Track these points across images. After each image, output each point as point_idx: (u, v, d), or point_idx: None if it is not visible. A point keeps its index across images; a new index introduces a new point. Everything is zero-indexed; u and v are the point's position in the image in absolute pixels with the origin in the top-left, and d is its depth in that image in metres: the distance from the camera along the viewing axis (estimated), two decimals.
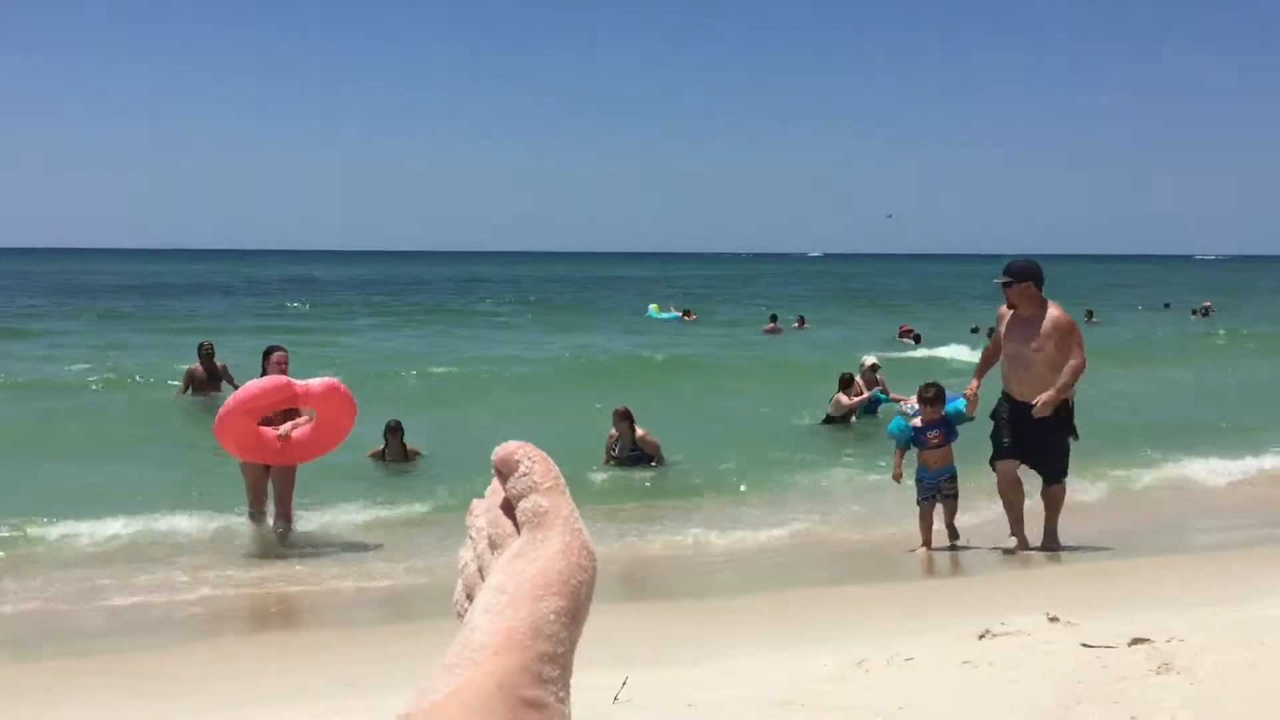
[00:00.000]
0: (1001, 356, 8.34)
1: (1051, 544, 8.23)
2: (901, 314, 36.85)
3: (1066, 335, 8.05)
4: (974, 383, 8.60)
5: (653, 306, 39.05)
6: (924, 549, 8.45)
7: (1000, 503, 8.41)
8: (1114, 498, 10.29)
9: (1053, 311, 8.13)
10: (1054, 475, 8.21)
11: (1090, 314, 34.74)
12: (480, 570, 0.87)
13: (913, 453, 8.77)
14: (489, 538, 0.88)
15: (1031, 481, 8.28)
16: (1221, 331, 30.34)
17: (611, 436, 11.61)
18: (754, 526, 9.34)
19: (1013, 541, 8.20)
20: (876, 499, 9.87)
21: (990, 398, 8.38)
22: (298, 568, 8.09)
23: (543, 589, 0.81)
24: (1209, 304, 39.16)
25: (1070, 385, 7.96)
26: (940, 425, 8.66)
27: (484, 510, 0.89)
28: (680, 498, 10.35)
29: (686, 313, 36.84)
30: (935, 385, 8.89)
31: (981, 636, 4.48)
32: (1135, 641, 4.01)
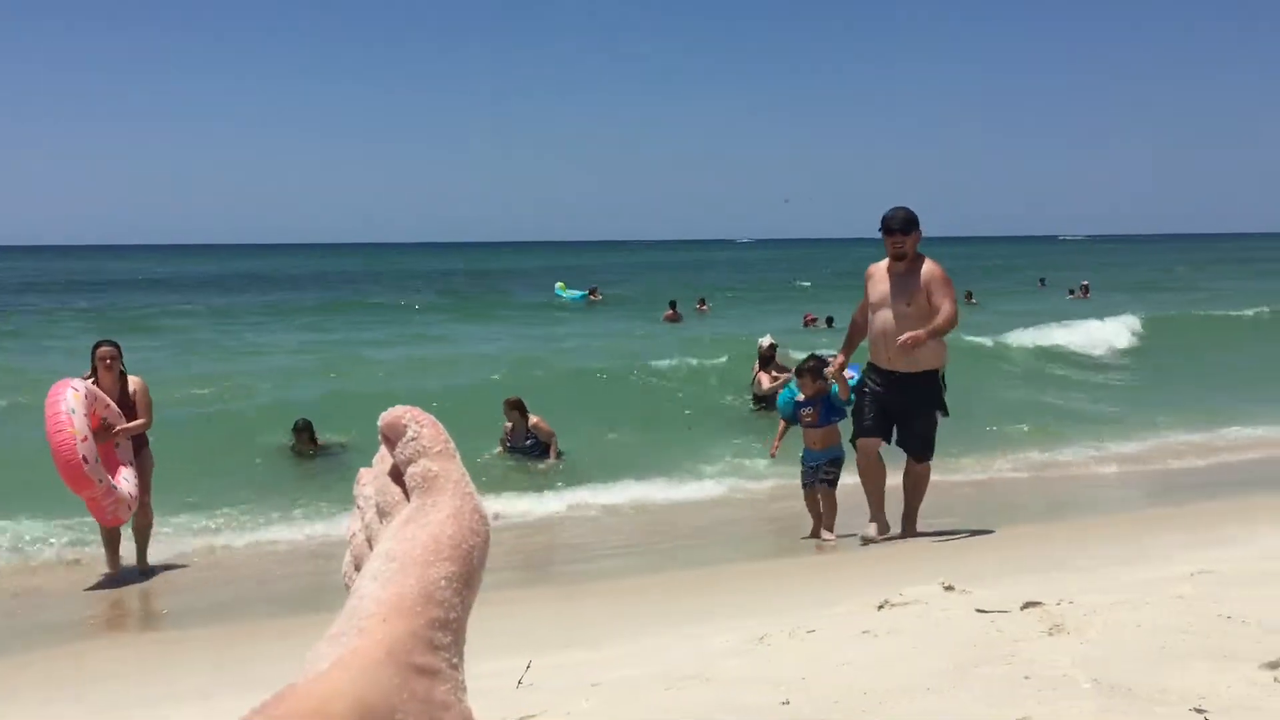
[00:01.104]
0: (869, 321, 7.66)
1: (910, 529, 7.69)
2: (812, 299, 36.90)
3: (941, 285, 7.43)
4: (839, 357, 7.82)
5: (559, 285, 39.13)
6: (813, 528, 8.05)
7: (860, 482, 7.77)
8: (1003, 476, 10.55)
9: (927, 264, 7.53)
10: (920, 452, 7.64)
11: (969, 295, 34.89)
12: (369, 540, 0.84)
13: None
14: (377, 506, 0.85)
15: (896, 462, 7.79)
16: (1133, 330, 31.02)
17: (506, 429, 11.50)
18: (658, 507, 9.38)
19: (872, 528, 7.60)
20: (783, 476, 9.75)
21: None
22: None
23: (433, 554, 0.79)
24: (1087, 283, 39.79)
25: (943, 330, 7.35)
26: (817, 403, 8.03)
27: (372, 478, 0.86)
28: (581, 482, 10.34)
29: (593, 291, 36.89)
30: (814, 357, 8.31)
31: (880, 607, 4.56)
32: (1027, 605, 4.12)
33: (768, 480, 10.07)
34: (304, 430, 11.38)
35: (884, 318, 7.48)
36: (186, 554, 8.31)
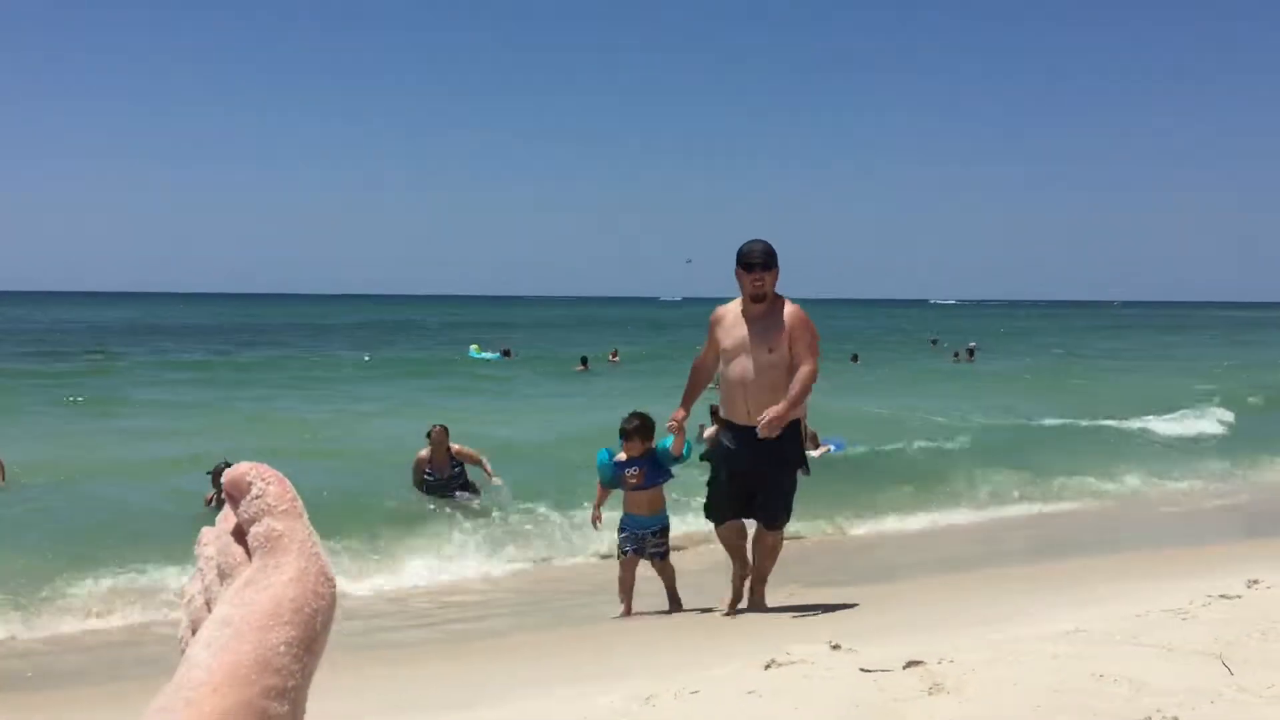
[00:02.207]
0: (720, 371, 6.88)
1: (759, 599, 7.01)
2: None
3: (805, 334, 6.68)
4: (679, 412, 6.98)
5: (474, 347, 38.81)
6: (623, 610, 7.22)
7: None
8: (888, 533, 10.70)
9: (790, 307, 6.76)
10: (776, 520, 6.87)
11: (855, 357, 35.18)
12: (208, 603, 0.80)
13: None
14: (218, 567, 0.81)
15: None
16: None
17: (422, 459, 10.97)
18: (544, 560, 9.28)
19: (731, 603, 7.05)
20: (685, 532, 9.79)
21: None
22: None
23: (272, 618, 0.75)
24: (974, 345, 40.62)
25: (801, 398, 6.58)
26: (644, 462, 7.19)
27: (214, 538, 0.83)
28: (478, 530, 10.16)
29: (506, 352, 36.78)
30: (639, 415, 7.34)
31: (767, 667, 4.57)
32: (910, 664, 4.16)
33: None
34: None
35: (742, 367, 6.69)
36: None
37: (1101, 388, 26.35)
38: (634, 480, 7.22)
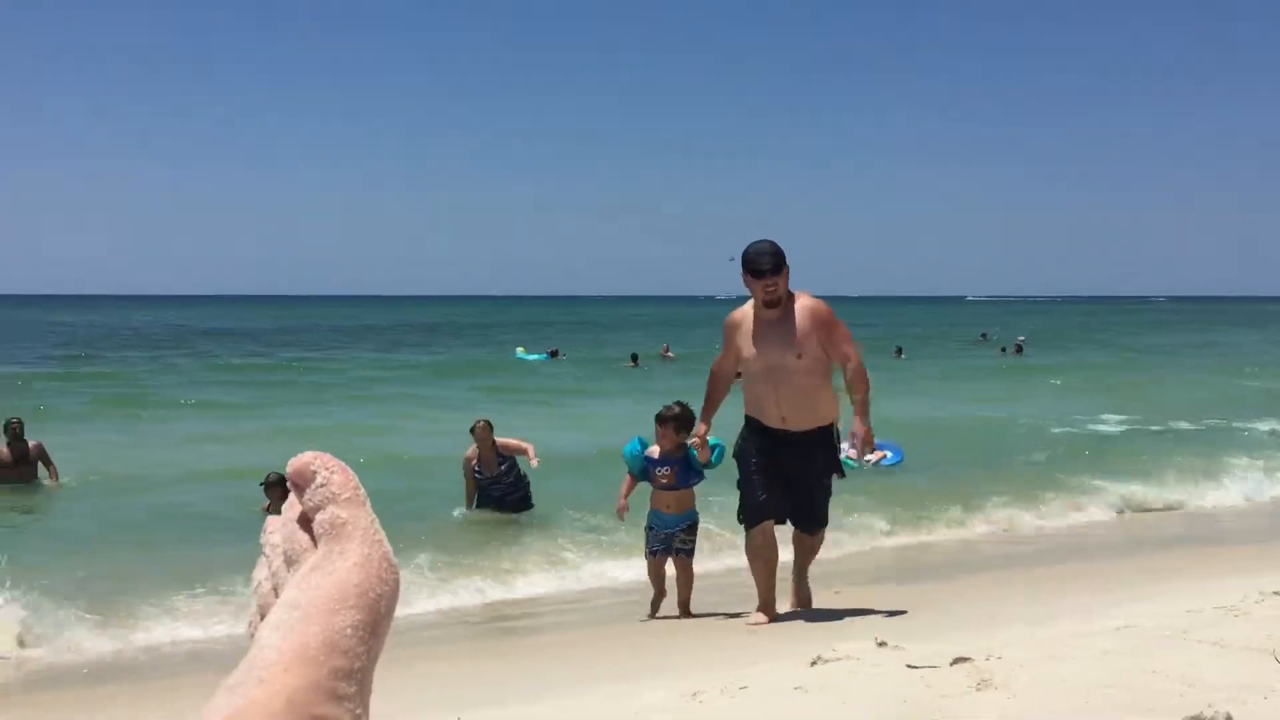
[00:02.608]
0: (743, 375, 6.65)
1: (803, 592, 6.84)
2: None
3: (831, 328, 6.40)
4: (700, 427, 6.75)
5: (520, 349, 38.68)
6: (651, 615, 7.11)
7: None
8: (941, 535, 10.60)
9: (805, 302, 6.45)
10: (814, 524, 6.69)
11: (899, 350, 34.91)
12: (275, 588, 0.83)
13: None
14: (284, 554, 0.84)
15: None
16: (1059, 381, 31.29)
17: (470, 457, 10.75)
18: (600, 563, 9.27)
19: (759, 615, 6.60)
20: (728, 531, 9.68)
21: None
22: None
23: (339, 602, 0.78)
24: (1023, 340, 40.26)
25: (867, 397, 6.41)
26: (677, 461, 6.95)
27: (279, 525, 0.85)
28: (526, 542, 10.16)
29: (554, 353, 36.80)
30: (681, 404, 7.10)
31: (813, 663, 4.57)
32: (957, 661, 4.14)
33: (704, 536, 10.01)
34: (277, 485, 10.15)
35: (770, 373, 6.42)
36: None
37: (1165, 386, 25.77)
38: (664, 480, 6.98)
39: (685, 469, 6.95)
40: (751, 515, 6.59)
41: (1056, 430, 17.66)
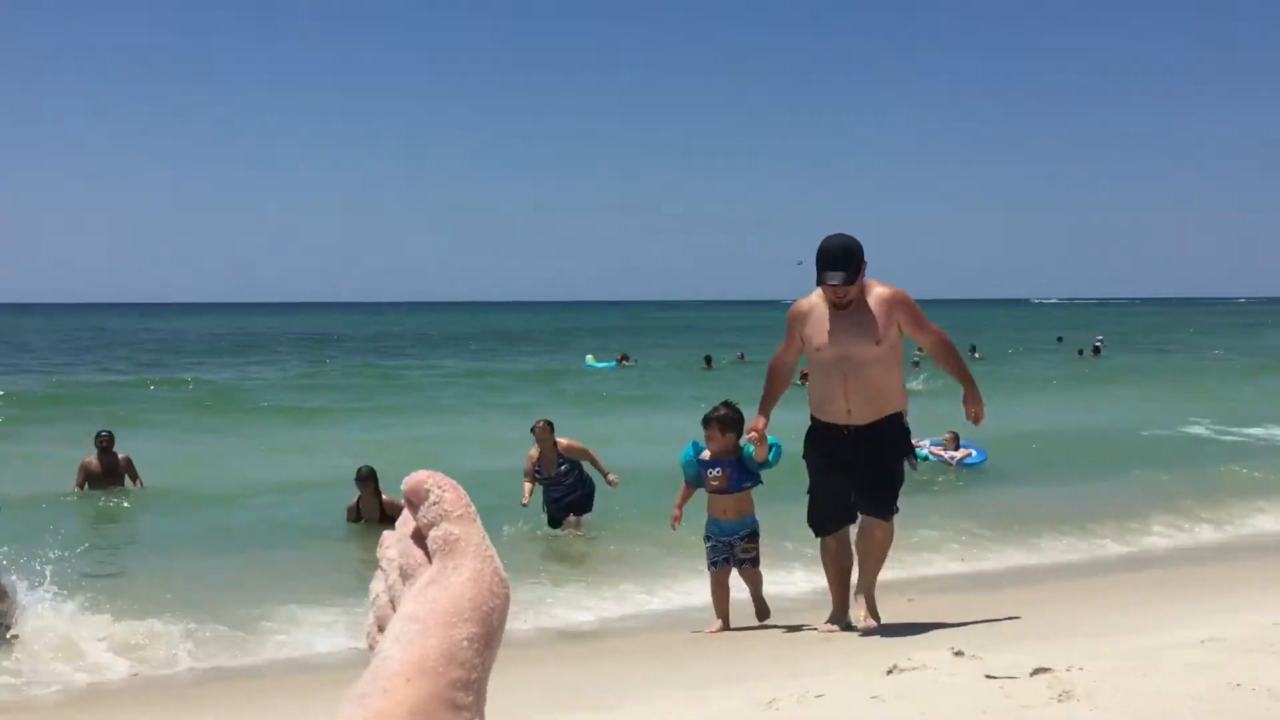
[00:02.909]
0: (811, 370, 6.43)
1: (870, 606, 6.44)
2: None
3: (909, 308, 6.23)
4: (759, 420, 6.44)
5: (590, 357, 38.55)
6: (719, 626, 6.80)
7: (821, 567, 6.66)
8: (1009, 533, 10.46)
9: (878, 289, 6.26)
10: (878, 507, 6.27)
11: (974, 349, 34.46)
12: (392, 601, 0.87)
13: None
14: (400, 568, 0.88)
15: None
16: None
17: (531, 459, 10.54)
18: (672, 573, 9.23)
19: (833, 621, 6.49)
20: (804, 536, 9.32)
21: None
22: None
23: (455, 616, 0.81)
24: (1100, 340, 39.58)
25: (968, 372, 6.34)
26: (729, 463, 6.66)
27: (395, 541, 0.89)
28: (598, 545, 10.17)
29: (623, 358, 36.79)
30: (728, 405, 6.85)
31: (889, 672, 4.55)
32: (1037, 671, 4.10)
33: (784, 541, 9.94)
34: (369, 480, 10.11)
35: (841, 364, 6.15)
36: None
37: (1261, 389, 25.02)
38: (716, 483, 6.66)
39: (739, 471, 6.66)
40: (820, 525, 6.47)
41: (1144, 434, 17.25)
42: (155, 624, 7.26)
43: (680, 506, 6.96)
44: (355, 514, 10.25)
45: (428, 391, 28.03)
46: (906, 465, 6.44)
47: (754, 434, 6.44)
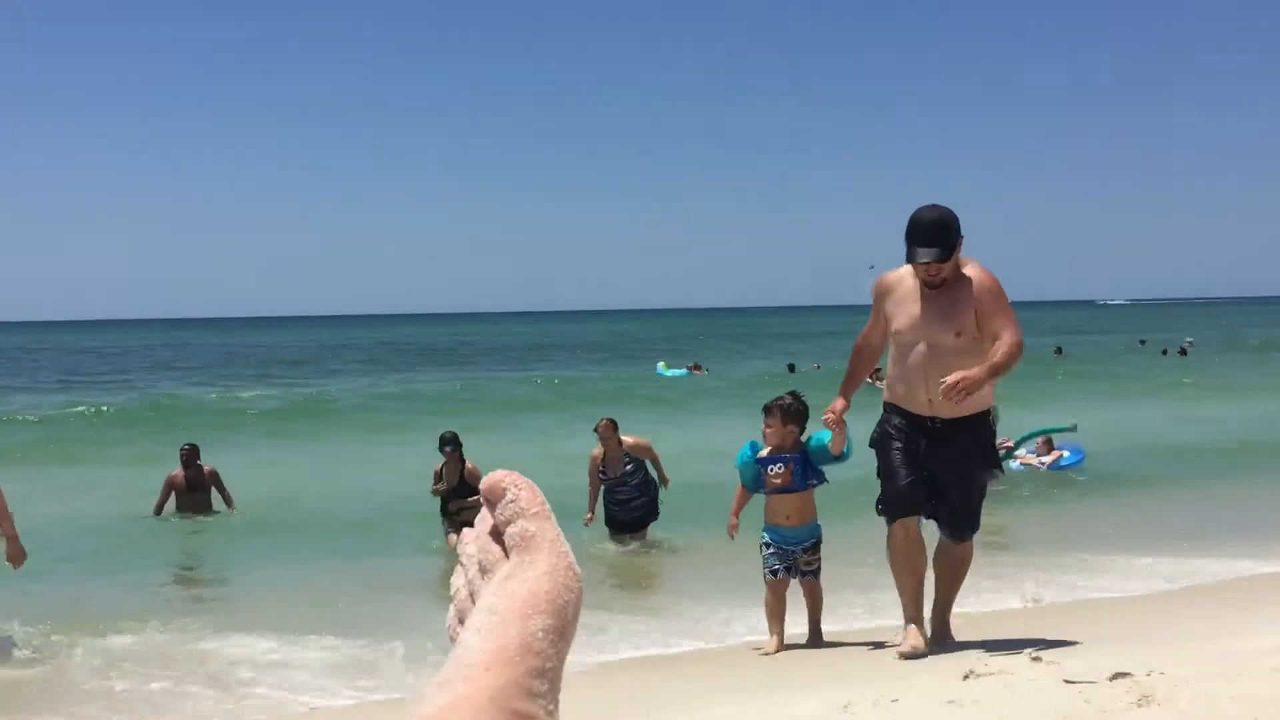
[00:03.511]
0: (891, 353, 5.79)
1: (944, 628, 5.90)
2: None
3: (997, 303, 5.54)
4: (839, 402, 5.83)
5: (661, 364, 38.02)
6: (776, 645, 6.19)
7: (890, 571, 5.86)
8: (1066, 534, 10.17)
9: (973, 272, 5.61)
10: (958, 532, 5.77)
11: (1059, 350, 34.01)
12: (471, 595, 0.92)
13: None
14: (479, 563, 0.92)
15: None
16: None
17: (596, 458, 10.37)
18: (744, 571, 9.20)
19: (910, 635, 5.70)
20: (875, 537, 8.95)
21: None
22: None
23: (531, 608, 0.86)
24: (1189, 342, 38.68)
25: (1006, 367, 5.42)
26: (793, 456, 6.08)
27: (474, 537, 0.94)
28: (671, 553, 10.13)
29: (695, 366, 36.58)
30: (793, 394, 6.35)
31: (966, 677, 4.52)
32: (1116, 676, 4.06)
33: (855, 545, 9.85)
34: (453, 442, 10.39)
35: (922, 351, 5.60)
36: None
37: None
38: (778, 480, 6.04)
39: (803, 466, 6.05)
40: (892, 505, 5.71)
41: (1241, 436, 16.62)
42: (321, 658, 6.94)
43: (737, 514, 6.44)
44: (439, 478, 10.52)
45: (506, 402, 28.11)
46: (991, 476, 5.90)
47: (831, 416, 5.79)
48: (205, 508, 12.11)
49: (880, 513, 5.83)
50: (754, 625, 6.95)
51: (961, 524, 5.79)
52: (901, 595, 5.80)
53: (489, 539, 0.93)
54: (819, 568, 6.31)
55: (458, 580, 0.94)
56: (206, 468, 12.27)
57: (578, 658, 6.62)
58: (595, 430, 10.54)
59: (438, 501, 10.58)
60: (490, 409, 26.22)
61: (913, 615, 5.75)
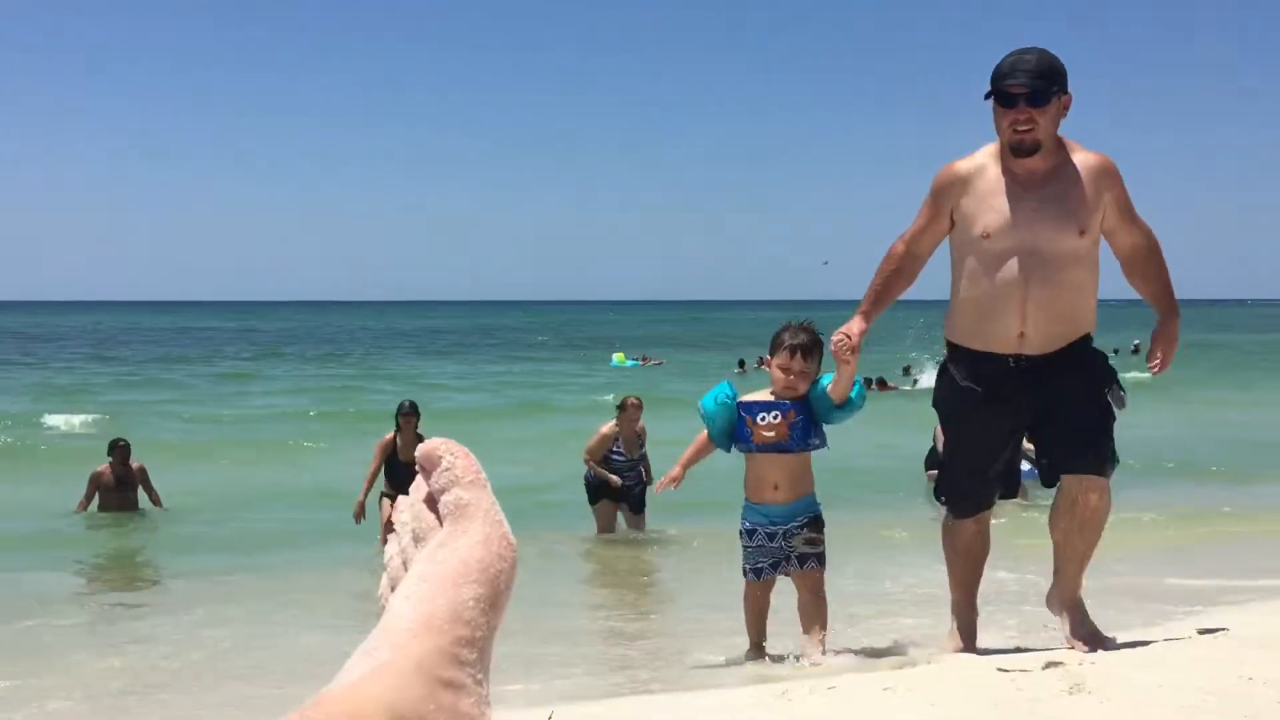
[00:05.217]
0: (964, 271, 4.36)
1: (1077, 611, 4.46)
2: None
3: (1121, 187, 4.26)
4: (855, 323, 4.46)
5: (617, 355, 37.63)
6: (756, 655, 5.01)
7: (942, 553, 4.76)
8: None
9: (1081, 154, 4.28)
10: (1092, 459, 4.26)
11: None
12: (405, 563, 0.91)
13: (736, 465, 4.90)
14: (413, 531, 0.92)
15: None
16: None
17: (607, 435, 9.87)
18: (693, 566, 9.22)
19: (955, 638, 4.66)
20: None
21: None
22: None
23: (462, 577, 0.85)
24: (1139, 342, 38.85)
25: (1173, 294, 4.41)
26: (795, 404, 4.65)
27: (408, 505, 0.93)
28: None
29: (644, 359, 36.32)
30: (807, 328, 4.78)
31: (902, 666, 4.58)
32: (1050, 665, 4.12)
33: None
34: (411, 414, 9.82)
35: (1018, 260, 4.20)
36: None
37: None
38: (769, 433, 4.60)
39: (806, 418, 4.64)
40: (960, 504, 4.54)
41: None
42: None
43: (687, 465, 4.99)
44: (391, 448, 9.77)
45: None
46: (1115, 404, 4.38)
47: (845, 342, 4.43)
48: (131, 506, 11.59)
49: (939, 500, 4.73)
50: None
51: (1087, 451, 4.27)
52: (954, 588, 4.67)
53: (423, 507, 0.92)
54: (823, 551, 4.84)
55: (392, 548, 0.93)
56: (135, 464, 11.71)
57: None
58: (620, 407, 10.08)
59: (377, 485, 9.94)
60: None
61: (964, 613, 4.67)
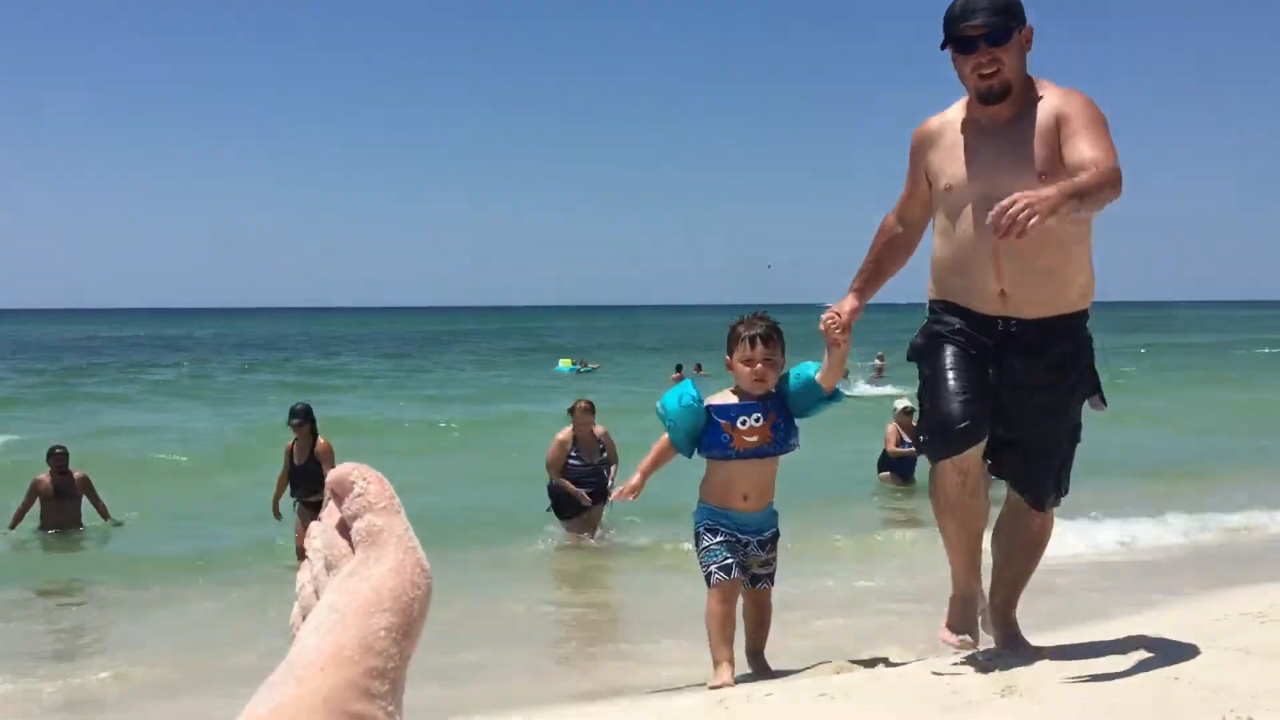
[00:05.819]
0: (939, 227, 4.07)
1: (1008, 629, 4.34)
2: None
3: (1089, 119, 3.73)
4: (848, 301, 4.23)
5: (563, 361, 37.37)
6: (729, 674, 4.49)
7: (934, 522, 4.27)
8: None
9: (1053, 97, 3.83)
10: (1043, 491, 4.14)
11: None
12: (316, 591, 0.89)
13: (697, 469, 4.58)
14: (325, 559, 0.90)
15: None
16: None
17: (564, 441, 9.79)
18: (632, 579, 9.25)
19: (961, 640, 4.21)
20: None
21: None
22: None
23: (374, 606, 0.83)
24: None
25: (1093, 194, 3.50)
26: (773, 404, 4.36)
27: (320, 532, 0.91)
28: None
29: (581, 364, 36.32)
30: (762, 316, 4.45)
31: (839, 671, 4.61)
32: (983, 668, 4.16)
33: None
34: (303, 415, 9.56)
35: (976, 216, 3.84)
36: None
37: None
38: (752, 438, 4.29)
39: (785, 418, 4.34)
40: (942, 436, 3.97)
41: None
42: None
43: (648, 473, 4.62)
44: (290, 455, 9.66)
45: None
46: (1090, 406, 4.11)
47: (836, 322, 4.14)
48: (74, 520, 11.10)
49: (923, 446, 4.16)
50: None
51: (1042, 484, 4.11)
52: (951, 558, 4.22)
53: (335, 534, 0.90)
54: (771, 573, 4.66)
55: (303, 576, 0.91)
56: (77, 474, 11.20)
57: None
58: (570, 412, 9.97)
59: (287, 491, 9.79)
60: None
61: (964, 587, 4.22)
